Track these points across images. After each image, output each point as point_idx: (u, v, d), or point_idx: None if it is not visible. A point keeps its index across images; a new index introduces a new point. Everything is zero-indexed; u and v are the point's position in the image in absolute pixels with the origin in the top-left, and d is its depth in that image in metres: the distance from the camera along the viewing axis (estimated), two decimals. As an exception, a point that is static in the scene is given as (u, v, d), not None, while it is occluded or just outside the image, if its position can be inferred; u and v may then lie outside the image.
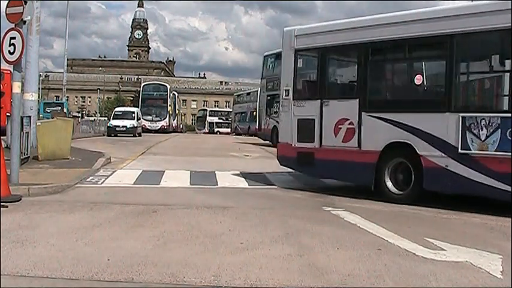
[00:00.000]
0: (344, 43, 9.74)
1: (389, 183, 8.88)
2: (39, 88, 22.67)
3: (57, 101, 47.90)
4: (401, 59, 9.45)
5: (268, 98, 25.68)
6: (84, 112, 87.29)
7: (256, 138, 29.60)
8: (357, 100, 9.27)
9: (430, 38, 8.49)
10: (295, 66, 10.43)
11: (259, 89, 30.00)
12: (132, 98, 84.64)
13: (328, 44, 9.97)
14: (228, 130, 56.36)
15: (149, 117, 46.05)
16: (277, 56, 25.25)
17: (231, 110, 61.70)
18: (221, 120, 64.31)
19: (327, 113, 9.72)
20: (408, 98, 9.15)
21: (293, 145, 10.30)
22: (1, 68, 11.08)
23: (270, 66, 25.99)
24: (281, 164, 11.03)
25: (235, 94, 55.64)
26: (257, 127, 30.36)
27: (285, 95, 10.55)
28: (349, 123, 9.34)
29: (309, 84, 10.67)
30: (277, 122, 24.30)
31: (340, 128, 9.48)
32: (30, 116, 13.32)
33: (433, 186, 8.38)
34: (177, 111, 57.25)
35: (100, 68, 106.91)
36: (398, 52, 9.30)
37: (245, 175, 11.84)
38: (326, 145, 9.74)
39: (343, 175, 9.79)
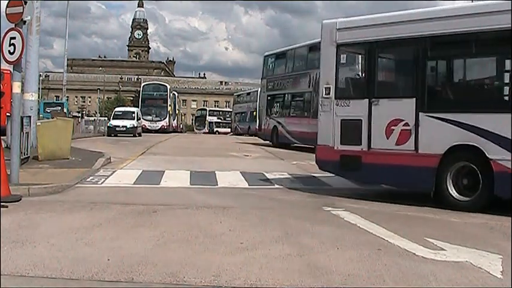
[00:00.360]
0: (399, 37, 8.93)
1: (452, 190, 8.20)
2: (39, 88, 22.67)
3: (57, 101, 47.87)
4: (468, 55, 8.68)
5: (268, 98, 25.68)
6: (84, 112, 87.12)
7: (256, 138, 29.62)
8: (414, 99, 8.57)
9: (502, 31, 7.70)
10: (337, 62, 9.66)
11: (259, 89, 30.05)
12: (132, 98, 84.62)
13: (380, 38, 9.17)
14: (228, 130, 56.17)
15: (149, 117, 46.02)
16: (278, 56, 25.47)
17: (230, 109, 61.73)
18: (220, 120, 64.11)
19: (377, 113, 8.99)
20: (476, 97, 8.53)
21: (335, 148, 9.51)
22: (1, 68, 11.06)
23: (271, 66, 26.04)
24: (320, 168, 10.28)
25: (235, 94, 55.76)
26: (257, 127, 30.42)
27: (325, 94, 9.74)
28: (404, 125, 8.64)
29: (354, 82, 10.07)
30: (277, 122, 24.49)
31: (393, 130, 8.76)
32: (30, 116, 13.31)
33: (505, 192, 7.74)
34: (177, 111, 57.23)
35: (100, 68, 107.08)
36: (465, 47, 8.54)
37: (245, 175, 11.84)
38: (376, 148, 8.99)
39: (397, 180, 9.05)
